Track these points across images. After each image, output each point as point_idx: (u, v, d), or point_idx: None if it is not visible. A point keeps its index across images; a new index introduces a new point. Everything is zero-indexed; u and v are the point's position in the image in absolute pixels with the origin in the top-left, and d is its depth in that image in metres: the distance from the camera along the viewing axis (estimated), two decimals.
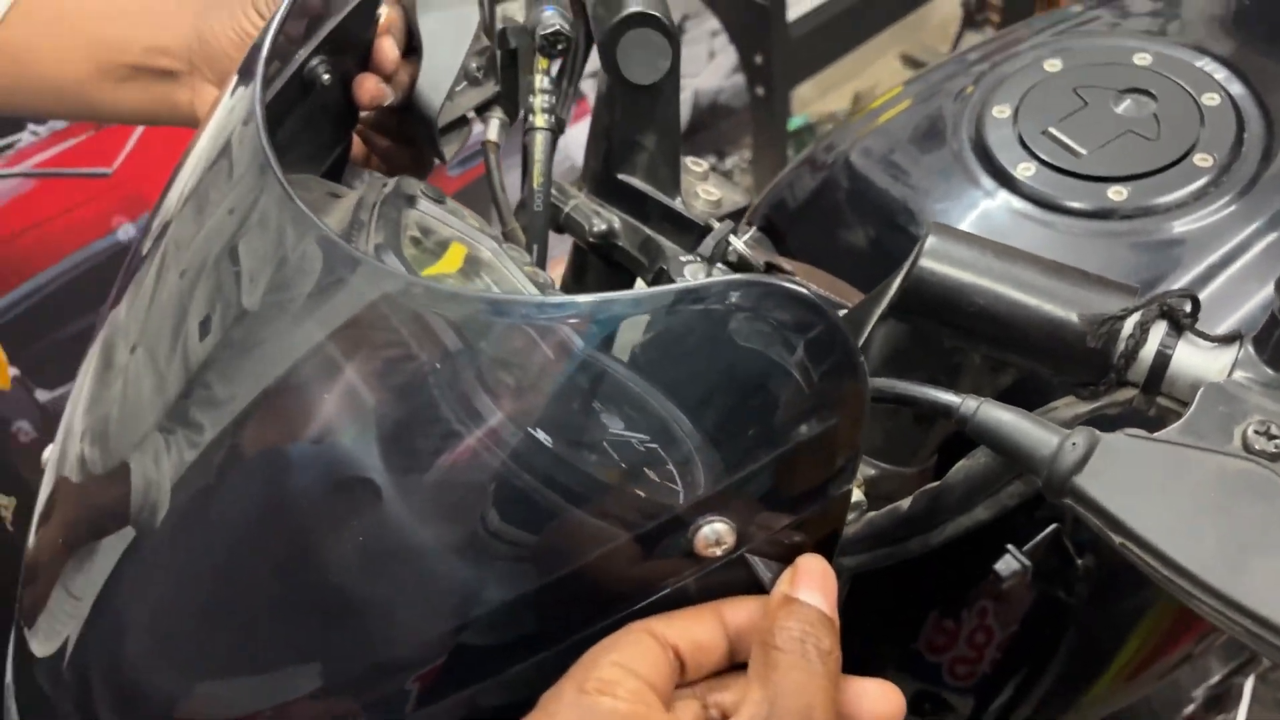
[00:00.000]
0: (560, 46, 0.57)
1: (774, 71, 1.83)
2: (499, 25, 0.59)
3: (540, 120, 0.59)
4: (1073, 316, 0.42)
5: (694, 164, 0.66)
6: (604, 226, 0.63)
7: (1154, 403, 0.43)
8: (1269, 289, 0.42)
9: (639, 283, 0.67)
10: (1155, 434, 0.39)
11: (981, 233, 0.65)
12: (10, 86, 0.68)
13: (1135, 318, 0.41)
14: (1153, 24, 0.75)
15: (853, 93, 2.40)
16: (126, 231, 1.60)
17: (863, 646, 0.45)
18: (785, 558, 0.40)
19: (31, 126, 1.48)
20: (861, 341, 0.47)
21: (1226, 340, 0.42)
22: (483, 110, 0.64)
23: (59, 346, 1.63)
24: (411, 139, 0.65)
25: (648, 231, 0.63)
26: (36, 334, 1.57)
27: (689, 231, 0.63)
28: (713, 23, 2.04)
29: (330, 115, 0.58)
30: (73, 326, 1.62)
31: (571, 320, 0.36)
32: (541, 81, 0.59)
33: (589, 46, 0.62)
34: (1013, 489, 0.45)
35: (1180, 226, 0.61)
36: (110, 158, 1.53)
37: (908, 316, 0.46)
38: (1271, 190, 0.62)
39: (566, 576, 0.38)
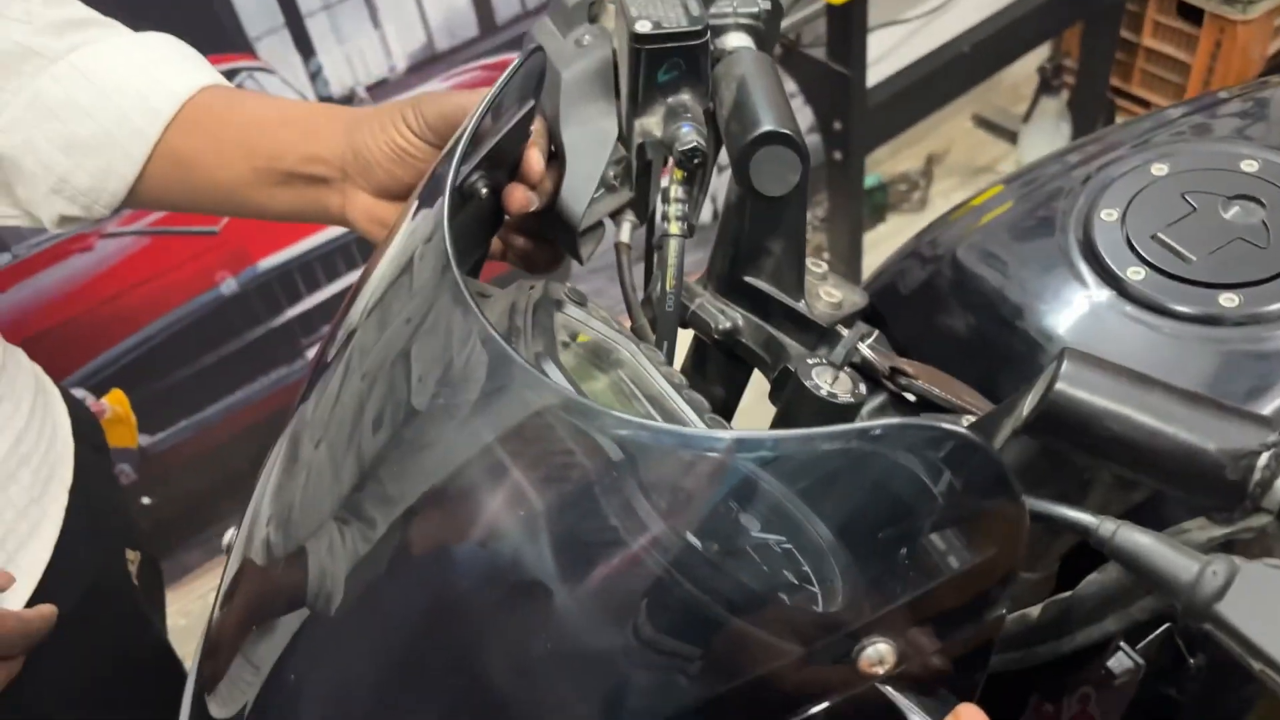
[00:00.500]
0: (696, 161, 0.60)
1: (852, 138, 1.83)
2: (637, 139, 0.62)
3: (675, 228, 0.62)
4: (1210, 446, 0.42)
5: (814, 265, 0.68)
6: (729, 325, 0.66)
7: None
8: None
9: (756, 373, 0.69)
10: None
11: (1090, 334, 0.68)
12: (178, 189, 0.73)
13: (1273, 451, 0.42)
14: (1254, 129, 0.77)
15: (925, 154, 2.42)
16: (229, 286, 1.66)
17: None
18: (936, 679, 0.42)
19: None
20: None
21: None
22: (615, 215, 0.68)
23: (163, 393, 1.69)
24: (548, 240, 0.69)
25: (770, 330, 0.66)
26: (142, 381, 1.64)
27: (809, 331, 0.66)
28: (789, 82, 2.07)
29: (480, 221, 0.62)
30: (177, 374, 1.69)
31: (757, 456, 0.39)
32: (677, 191, 0.62)
33: (717, 155, 0.65)
34: (1144, 604, 0.47)
35: None
36: (217, 218, 1.60)
37: (1040, 435, 0.47)
38: None
39: (742, 685, 0.41)
